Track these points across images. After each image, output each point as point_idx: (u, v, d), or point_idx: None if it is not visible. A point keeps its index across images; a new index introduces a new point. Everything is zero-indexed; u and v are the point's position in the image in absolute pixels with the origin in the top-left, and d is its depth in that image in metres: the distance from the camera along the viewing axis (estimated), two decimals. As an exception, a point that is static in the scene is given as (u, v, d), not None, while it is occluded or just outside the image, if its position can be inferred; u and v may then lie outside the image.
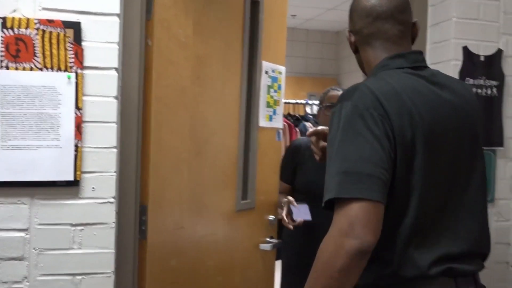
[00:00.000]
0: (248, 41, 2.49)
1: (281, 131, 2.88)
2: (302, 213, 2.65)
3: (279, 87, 2.79)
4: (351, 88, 1.35)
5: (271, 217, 2.75)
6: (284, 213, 2.64)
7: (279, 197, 2.81)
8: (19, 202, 1.63)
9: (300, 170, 2.84)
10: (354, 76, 8.01)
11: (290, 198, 2.67)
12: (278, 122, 2.81)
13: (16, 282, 1.64)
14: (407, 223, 1.27)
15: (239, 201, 2.49)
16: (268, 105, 2.69)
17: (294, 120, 4.26)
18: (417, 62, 1.44)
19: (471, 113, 1.41)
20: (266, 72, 2.65)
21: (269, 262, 2.79)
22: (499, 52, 2.05)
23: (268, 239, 2.72)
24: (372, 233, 1.17)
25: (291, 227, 2.59)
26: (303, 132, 4.16)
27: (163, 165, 2.02)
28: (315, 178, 2.75)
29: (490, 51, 2.04)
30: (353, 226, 1.16)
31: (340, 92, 2.88)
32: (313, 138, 1.69)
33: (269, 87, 2.69)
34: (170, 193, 2.08)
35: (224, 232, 2.42)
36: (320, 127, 1.67)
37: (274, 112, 2.75)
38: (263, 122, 2.63)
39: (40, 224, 1.65)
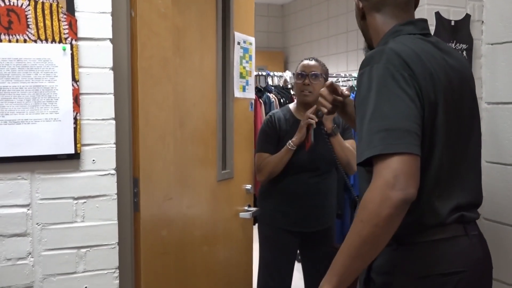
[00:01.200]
0: (221, 11, 2.50)
1: (253, 102, 2.92)
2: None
3: (250, 58, 2.82)
4: (377, 50, 1.41)
5: (248, 186, 2.81)
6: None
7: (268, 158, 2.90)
8: (19, 177, 1.60)
9: (283, 143, 2.90)
10: (300, 48, 8.11)
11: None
12: (251, 93, 2.85)
13: (20, 258, 1.62)
14: (430, 175, 1.37)
15: (220, 171, 2.53)
16: (241, 76, 2.72)
17: (257, 91, 4.30)
18: (425, 29, 1.53)
19: (469, 77, 1.53)
20: (238, 43, 2.67)
21: (248, 230, 2.85)
22: (467, 17, 2.16)
23: (246, 207, 2.78)
24: (415, 184, 1.26)
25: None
26: (267, 103, 4.21)
27: (151, 137, 2.02)
28: (303, 149, 2.84)
29: (459, 16, 2.14)
30: (398, 178, 1.24)
31: (311, 62, 2.96)
32: (325, 91, 1.77)
33: (241, 58, 2.71)
34: (158, 165, 2.09)
35: (208, 203, 2.45)
36: (329, 81, 1.78)
37: (247, 83, 2.78)
38: (237, 93, 2.66)
39: (41, 199, 1.63)
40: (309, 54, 7.85)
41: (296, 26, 8.18)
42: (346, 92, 1.84)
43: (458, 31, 2.14)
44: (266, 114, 4.15)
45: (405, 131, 1.28)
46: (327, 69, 3.05)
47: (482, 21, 2.20)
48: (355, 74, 5.20)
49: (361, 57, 6.78)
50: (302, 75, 2.94)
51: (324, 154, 2.87)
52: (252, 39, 2.82)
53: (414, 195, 1.26)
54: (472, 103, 1.53)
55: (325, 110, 1.82)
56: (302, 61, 3.02)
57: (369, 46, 1.67)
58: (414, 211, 1.32)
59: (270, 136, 2.95)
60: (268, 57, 8.17)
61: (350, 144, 2.95)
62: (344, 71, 6.66)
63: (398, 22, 1.52)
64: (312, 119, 2.75)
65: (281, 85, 4.65)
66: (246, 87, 2.78)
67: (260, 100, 4.21)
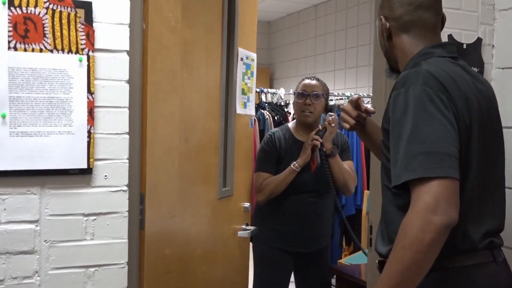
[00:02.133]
0: (227, 26, 2.48)
1: (253, 118, 2.89)
2: None
3: (252, 74, 2.79)
4: (412, 72, 1.39)
5: (246, 204, 2.76)
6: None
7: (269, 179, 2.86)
8: (28, 192, 1.52)
9: (282, 163, 2.86)
10: (286, 65, 8.13)
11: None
12: (251, 110, 2.82)
13: (26, 277, 1.54)
14: (464, 199, 1.34)
15: (221, 189, 2.48)
16: (243, 92, 2.68)
17: (250, 108, 4.29)
18: (453, 53, 1.52)
19: (495, 103, 1.53)
20: (242, 59, 2.64)
21: (245, 249, 2.80)
22: (479, 40, 2.17)
23: (244, 226, 2.73)
24: (456, 208, 1.24)
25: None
26: (261, 120, 4.18)
27: (157, 152, 1.97)
28: (302, 170, 2.80)
29: (471, 39, 2.15)
30: (439, 203, 1.22)
31: (313, 81, 2.93)
32: (348, 106, 1.74)
33: (244, 74, 2.68)
34: (164, 181, 2.03)
35: (208, 221, 2.40)
36: (355, 96, 1.76)
37: (248, 99, 2.75)
38: (239, 109, 2.62)
39: (51, 215, 1.56)
40: (296, 72, 7.87)
41: (283, 43, 8.20)
42: (371, 109, 1.81)
43: (470, 54, 2.14)
44: (260, 131, 4.11)
45: (445, 154, 1.27)
46: (328, 89, 3.03)
47: (493, 45, 2.22)
48: (347, 93, 5.22)
49: (349, 76, 6.85)
50: (303, 94, 2.89)
51: (322, 175, 2.85)
52: (254, 55, 2.80)
53: (456, 219, 1.24)
54: (498, 128, 1.53)
55: (347, 126, 1.79)
56: (303, 80, 2.99)
57: (392, 67, 1.65)
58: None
59: (270, 156, 2.90)
60: (254, 73, 8.15)
61: (348, 165, 2.93)
62: (331, 90, 6.68)
63: (427, 44, 1.51)
64: (317, 140, 2.72)
65: (275, 102, 4.62)
66: (247, 103, 2.75)
67: (254, 117, 4.18)
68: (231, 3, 2.50)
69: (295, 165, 2.78)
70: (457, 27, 2.14)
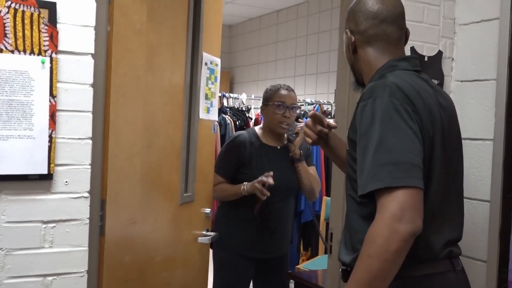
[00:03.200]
0: (192, 31, 2.45)
1: (216, 124, 2.87)
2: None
3: (215, 79, 2.77)
4: (379, 84, 1.41)
5: (207, 210, 2.74)
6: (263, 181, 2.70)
7: (224, 186, 2.82)
8: (-16, 198, 1.47)
9: (248, 167, 2.84)
10: (247, 70, 8.14)
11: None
12: (214, 115, 2.80)
13: (-20, 287, 1.48)
14: (427, 209, 1.36)
15: (182, 194, 2.45)
16: (206, 97, 2.66)
17: (211, 112, 4.25)
18: (417, 67, 1.56)
19: (455, 116, 1.57)
20: (206, 64, 2.62)
21: (205, 255, 2.77)
22: (440, 53, 2.22)
23: (204, 232, 2.71)
24: (420, 217, 1.27)
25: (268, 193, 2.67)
26: (222, 124, 4.16)
27: (120, 158, 1.93)
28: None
29: (432, 52, 2.20)
30: (405, 212, 1.24)
31: (290, 92, 2.89)
32: (310, 121, 1.75)
33: (208, 78, 2.66)
34: (125, 187, 1.99)
35: (169, 227, 2.36)
36: (317, 113, 1.77)
37: (211, 104, 2.73)
38: (202, 114, 2.60)
39: (8, 222, 1.50)
40: (256, 76, 7.88)
41: (244, 47, 8.21)
42: (334, 124, 1.82)
43: (431, 66, 2.19)
44: (221, 136, 4.09)
45: (411, 164, 1.29)
46: None
47: (453, 58, 2.27)
48: (307, 99, 5.26)
49: (310, 82, 6.91)
50: (283, 106, 2.84)
51: (290, 180, 2.85)
52: (218, 60, 2.78)
53: (421, 227, 1.27)
54: (458, 141, 1.56)
55: (310, 141, 1.80)
56: (278, 89, 2.91)
57: (358, 80, 1.67)
58: None
59: (229, 160, 2.89)
60: (214, 76, 8.12)
61: (312, 170, 2.94)
62: (291, 95, 6.72)
63: (391, 58, 1.54)
64: (264, 194, 2.68)
65: (236, 107, 4.61)
66: (210, 108, 2.72)
67: (216, 122, 4.16)
68: (197, 8, 2.48)
69: (244, 189, 2.76)
70: (419, 39, 2.18)
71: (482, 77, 2.16)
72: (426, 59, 2.19)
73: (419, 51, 2.18)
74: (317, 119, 1.76)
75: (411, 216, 1.25)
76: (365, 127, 1.36)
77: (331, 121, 1.84)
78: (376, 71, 1.53)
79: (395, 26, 1.55)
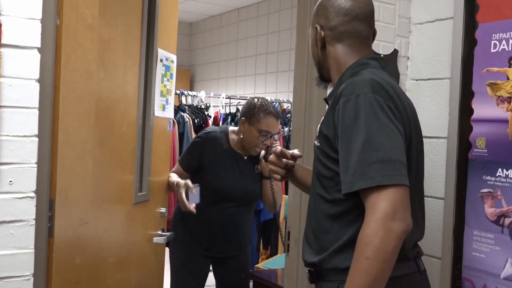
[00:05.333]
0: (147, 26, 2.40)
1: (172, 121, 2.83)
2: (195, 197, 2.64)
3: (171, 76, 2.73)
4: (359, 80, 1.38)
5: (163, 209, 2.69)
6: (184, 197, 2.58)
7: (172, 177, 2.75)
8: None
9: (210, 168, 2.79)
10: (207, 67, 8.08)
11: (189, 182, 2.61)
12: (170, 112, 2.75)
13: None
14: None
15: (137, 194, 2.40)
16: (162, 94, 2.61)
17: (170, 110, 4.19)
18: (384, 68, 1.55)
19: (416, 115, 1.55)
20: (161, 60, 2.57)
21: (160, 255, 2.73)
22: (395, 52, 2.23)
23: (160, 232, 2.66)
24: (409, 215, 1.27)
25: (194, 211, 2.56)
26: (181, 122, 4.10)
27: (70, 156, 1.87)
28: (229, 181, 2.78)
29: (388, 50, 2.21)
30: (397, 210, 1.24)
31: (277, 121, 2.77)
32: (274, 158, 1.72)
33: (163, 75, 2.61)
34: (76, 186, 1.93)
35: (123, 227, 2.31)
36: (278, 148, 1.72)
37: (167, 102, 2.68)
38: (157, 112, 2.55)
39: None
40: (217, 74, 7.84)
41: (204, 45, 8.15)
42: (298, 153, 1.76)
43: (387, 65, 2.19)
44: (179, 134, 4.04)
45: (399, 162, 1.28)
46: None
47: (408, 57, 2.29)
48: (268, 97, 5.22)
49: (270, 80, 6.90)
50: (267, 134, 2.74)
51: (250, 190, 2.82)
52: (174, 57, 2.73)
53: (411, 225, 1.26)
54: (421, 141, 1.56)
55: (278, 177, 1.76)
56: (268, 114, 2.74)
57: (322, 76, 1.64)
58: None
59: (191, 153, 2.86)
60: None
61: (278, 184, 2.91)
62: (252, 94, 6.70)
63: (360, 55, 1.52)
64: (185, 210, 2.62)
65: (195, 105, 4.56)
66: (166, 106, 2.67)
67: (174, 119, 4.11)
68: (152, 3, 2.43)
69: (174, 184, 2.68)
70: (376, 38, 2.18)
71: (437, 76, 2.18)
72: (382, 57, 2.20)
73: (375, 49, 2.17)
74: (280, 154, 1.72)
75: (403, 214, 1.24)
76: (348, 123, 1.33)
77: (295, 151, 1.79)
78: (347, 68, 1.51)
79: (366, 24, 1.54)
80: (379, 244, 1.22)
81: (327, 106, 1.60)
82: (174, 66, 2.74)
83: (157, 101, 2.55)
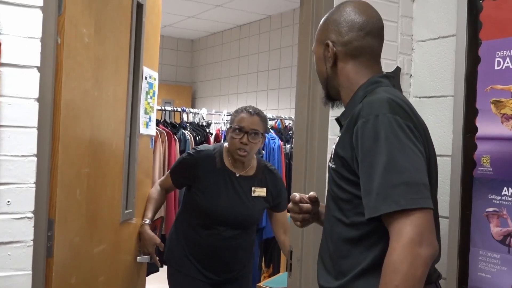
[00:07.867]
0: (134, 44, 2.39)
1: (154, 138, 2.84)
2: None
3: (154, 94, 2.73)
4: (375, 99, 1.34)
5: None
6: (154, 255, 2.66)
7: (152, 194, 2.73)
8: None
9: (201, 188, 2.63)
10: (209, 84, 8.10)
11: (158, 242, 2.64)
12: (152, 129, 2.75)
13: None
14: None
15: (124, 212, 2.38)
16: (146, 111, 2.60)
17: (171, 127, 4.16)
18: (394, 86, 1.49)
19: (429, 133, 1.49)
20: (145, 78, 2.56)
21: (142, 275, 2.73)
22: (398, 69, 2.21)
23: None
24: (435, 239, 1.23)
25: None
26: (182, 140, 4.08)
27: (68, 174, 1.85)
28: (223, 202, 2.61)
29: (390, 68, 2.19)
30: (423, 235, 1.20)
31: (252, 116, 2.61)
32: (291, 205, 1.63)
33: (147, 93, 2.60)
34: (73, 205, 1.91)
35: (111, 245, 2.29)
36: (297, 195, 1.63)
37: (150, 119, 2.68)
38: (142, 129, 2.54)
39: None
40: (219, 91, 7.84)
41: (206, 62, 8.16)
42: (313, 194, 1.66)
43: (396, 83, 2.18)
44: (181, 151, 4.01)
45: (423, 185, 1.24)
46: (267, 121, 2.78)
47: (411, 75, 2.27)
48: (269, 114, 5.22)
49: (272, 97, 6.89)
50: (241, 130, 2.56)
51: (246, 214, 2.66)
52: (156, 74, 2.73)
53: (438, 249, 1.24)
54: (435, 159, 1.49)
55: (299, 224, 1.66)
56: (241, 111, 2.62)
57: (329, 95, 1.58)
58: None
59: (188, 169, 2.68)
60: (175, 91, 8.07)
61: (284, 216, 2.79)
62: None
63: (373, 73, 1.47)
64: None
65: (196, 122, 4.54)
66: (149, 123, 2.66)
67: (175, 136, 4.08)
68: (138, 20, 2.43)
69: (143, 225, 2.64)
70: (379, 55, 2.17)
71: (440, 94, 2.16)
72: (384, 74, 2.18)
73: (378, 67, 2.17)
74: (296, 201, 1.62)
75: (429, 238, 1.21)
76: (368, 145, 1.28)
77: (310, 193, 1.67)
78: (360, 86, 1.45)
79: (378, 39, 1.49)
80: (408, 271, 1.18)
81: (339, 127, 1.54)
82: (156, 84, 2.73)
83: (141, 118, 2.52)
